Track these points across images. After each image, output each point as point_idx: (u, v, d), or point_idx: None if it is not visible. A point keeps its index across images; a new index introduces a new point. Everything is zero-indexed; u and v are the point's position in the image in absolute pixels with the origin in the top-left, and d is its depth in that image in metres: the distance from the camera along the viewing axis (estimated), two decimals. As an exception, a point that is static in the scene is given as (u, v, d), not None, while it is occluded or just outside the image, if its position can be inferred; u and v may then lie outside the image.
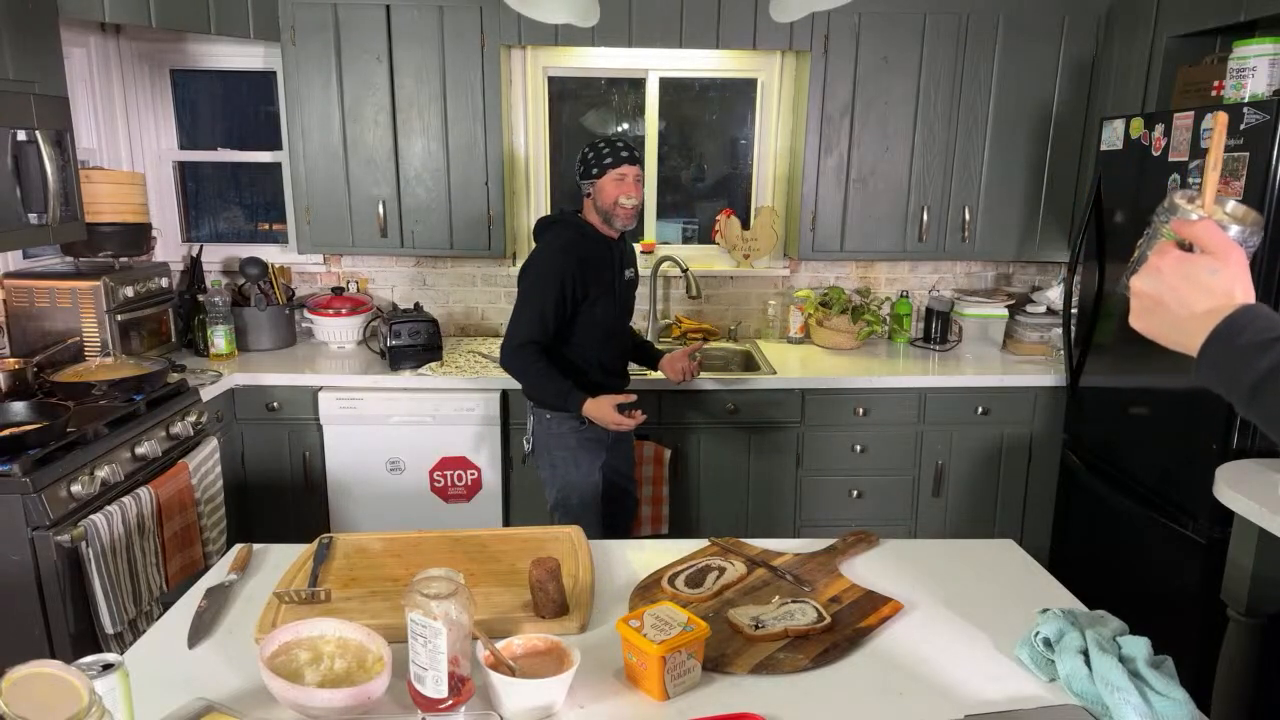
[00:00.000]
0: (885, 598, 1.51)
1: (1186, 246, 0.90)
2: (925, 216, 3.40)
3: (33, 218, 2.47)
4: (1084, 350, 3.03)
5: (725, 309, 3.82)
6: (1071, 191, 3.40)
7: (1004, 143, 3.35)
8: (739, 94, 3.76)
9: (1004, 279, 3.89)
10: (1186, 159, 2.48)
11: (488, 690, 1.20)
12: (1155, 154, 2.61)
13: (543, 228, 2.55)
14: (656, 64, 3.62)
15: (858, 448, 3.25)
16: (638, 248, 3.71)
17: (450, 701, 1.17)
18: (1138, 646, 1.23)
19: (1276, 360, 0.80)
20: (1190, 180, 2.46)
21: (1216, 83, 2.60)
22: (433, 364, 3.23)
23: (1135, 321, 0.93)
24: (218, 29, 2.99)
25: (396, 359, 3.16)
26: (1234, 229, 0.89)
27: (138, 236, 3.20)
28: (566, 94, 3.74)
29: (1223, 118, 0.93)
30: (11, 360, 2.60)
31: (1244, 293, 0.86)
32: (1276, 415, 0.81)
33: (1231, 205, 0.91)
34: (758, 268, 3.77)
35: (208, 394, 2.87)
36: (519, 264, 3.68)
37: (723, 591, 1.52)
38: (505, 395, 3.13)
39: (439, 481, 3.16)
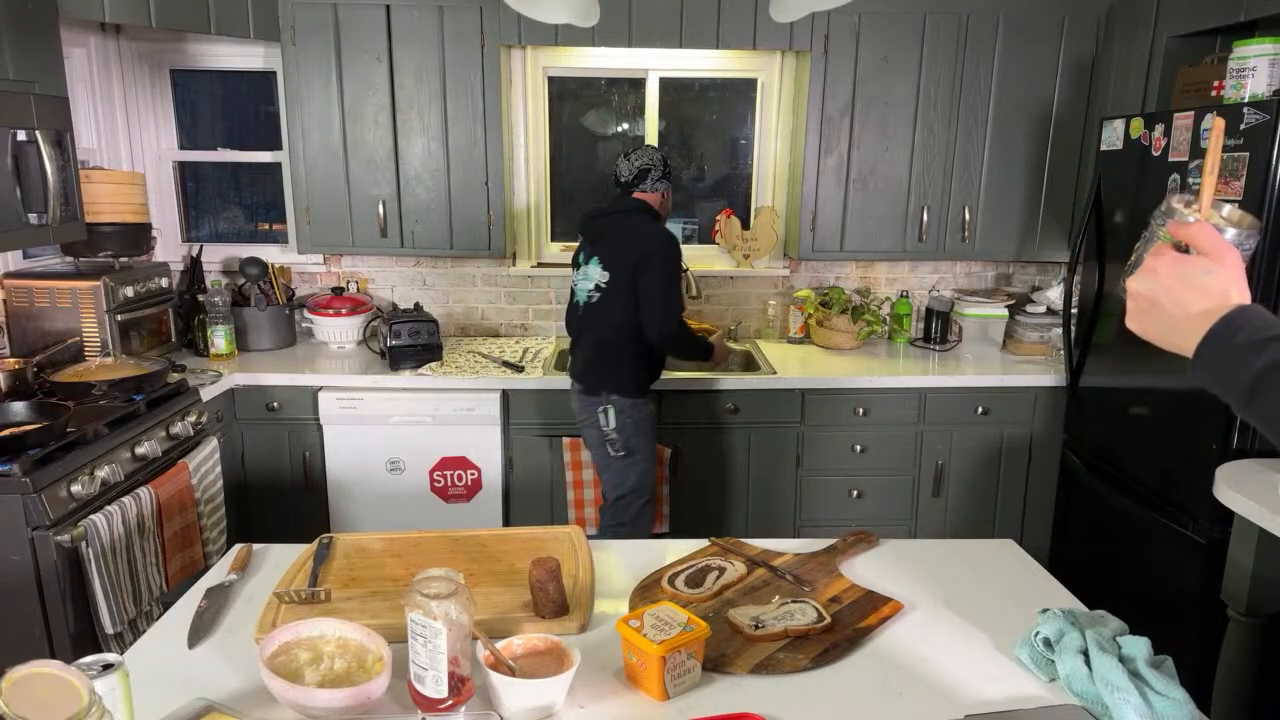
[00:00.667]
0: (885, 598, 1.51)
1: (1183, 248, 0.90)
2: (925, 216, 3.40)
3: (33, 218, 2.47)
4: (1084, 350, 3.03)
5: (725, 309, 3.82)
6: (1071, 191, 3.40)
7: (1004, 143, 3.35)
8: (739, 94, 3.76)
9: (1004, 279, 3.89)
10: (1186, 159, 2.48)
11: (488, 690, 1.20)
12: (1155, 154, 2.61)
13: (629, 210, 2.68)
14: (656, 64, 3.62)
15: (858, 448, 3.25)
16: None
17: (450, 701, 1.17)
18: (1138, 646, 1.23)
19: (1272, 359, 0.80)
20: (1190, 180, 2.46)
21: (1216, 83, 2.60)
22: (433, 364, 3.23)
23: (1132, 323, 0.94)
24: (218, 29, 2.99)
25: (396, 359, 3.16)
26: (1230, 232, 0.90)
27: (138, 236, 3.20)
28: (566, 94, 3.74)
29: (1220, 123, 0.93)
30: (11, 360, 2.60)
31: (1239, 294, 0.87)
32: (1273, 414, 0.82)
33: (1228, 209, 0.92)
34: (758, 268, 3.77)
35: (208, 394, 2.87)
36: (518, 264, 3.73)
37: (723, 591, 1.52)
38: (505, 395, 3.13)
39: (439, 481, 3.16)
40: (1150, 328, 0.92)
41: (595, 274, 2.67)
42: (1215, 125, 0.93)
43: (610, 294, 2.65)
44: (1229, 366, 0.84)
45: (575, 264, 2.82)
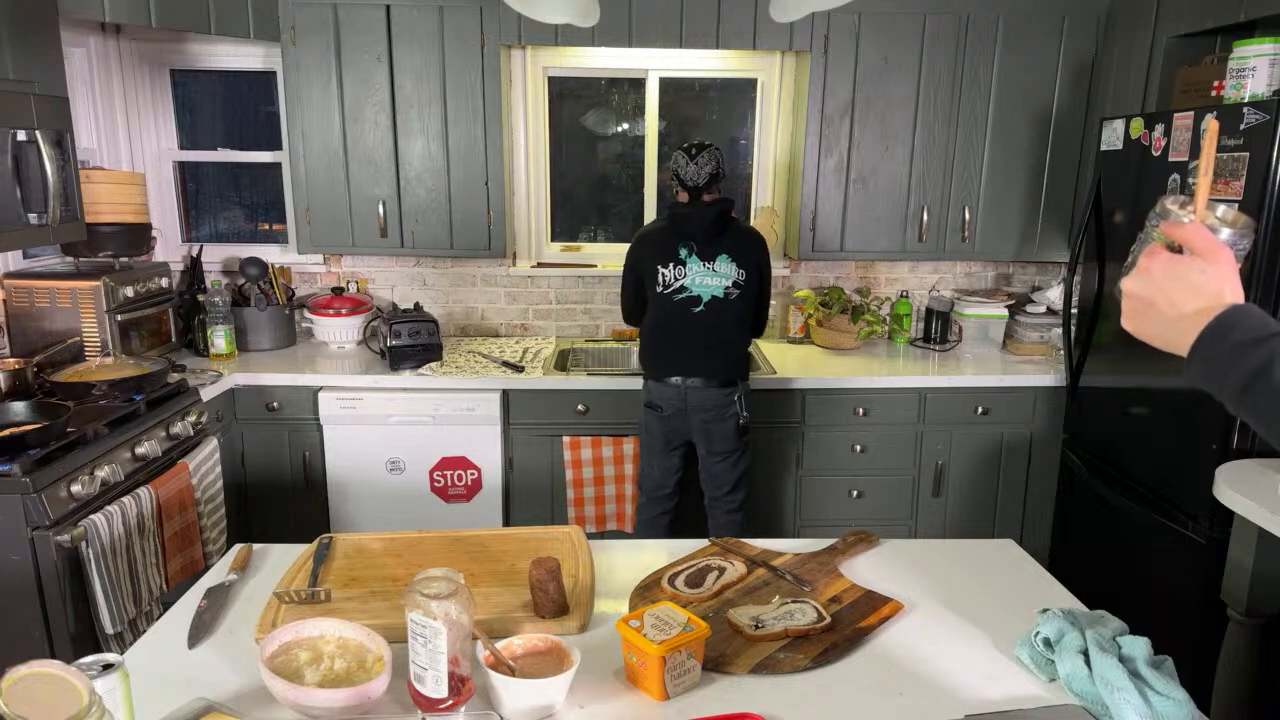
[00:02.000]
0: (885, 598, 1.51)
1: (1176, 249, 0.90)
2: (925, 216, 3.40)
3: (33, 218, 2.47)
4: (1084, 350, 3.03)
5: (725, 309, 3.81)
6: (1071, 191, 3.40)
7: (1004, 143, 3.35)
8: (739, 94, 3.76)
9: (1004, 279, 3.89)
10: (1186, 159, 2.48)
11: (488, 690, 1.20)
12: (1155, 154, 2.61)
13: (728, 211, 2.79)
14: (656, 64, 3.62)
15: (858, 448, 3.25)
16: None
17: (450, 701, 1.18)
18: (1138, 646, 1.23)
19: (1266, 358, 0.81)
20: (1190, 181, 2.46)
21: (1216, 83, 2.60)
22: (433, 364, 3.23)
23: (1127, 323, 0.94)
24: (218, 29, 2.99)
25: (396, 359, 3.16)
26: (1225, 232, 0.91)
27: (138, 236, 3.20)
28: (566, 94, 3.74)
29: (1214, 124, 0.94)
30: (11, 360, 2.60)
31: (1233, 293, 0.87)
32: (1265, 413, 0.82)
33: (1222, 210, 0.93)
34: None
35: (208, 394, 2.87)
36: (518, 264, 3.73)
37: (723, 591, 1.52)
38: (505, 395, 3.13)
39: (439, 481, 3.17)
40: (1145, 328, 0.92)
41: (731, 272, 2.76)
42: (1210, 127, 0.93)
43: (745, 290, 2.78)
44: (1222, 365, 0.84)
45: (665, 261, 2.76)
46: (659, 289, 2.79)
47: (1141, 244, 0.95)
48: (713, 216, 2.73)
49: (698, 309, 2.76)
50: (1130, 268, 0.94)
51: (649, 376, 2.84)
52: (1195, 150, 2.44)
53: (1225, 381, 0.84)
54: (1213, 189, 0.95)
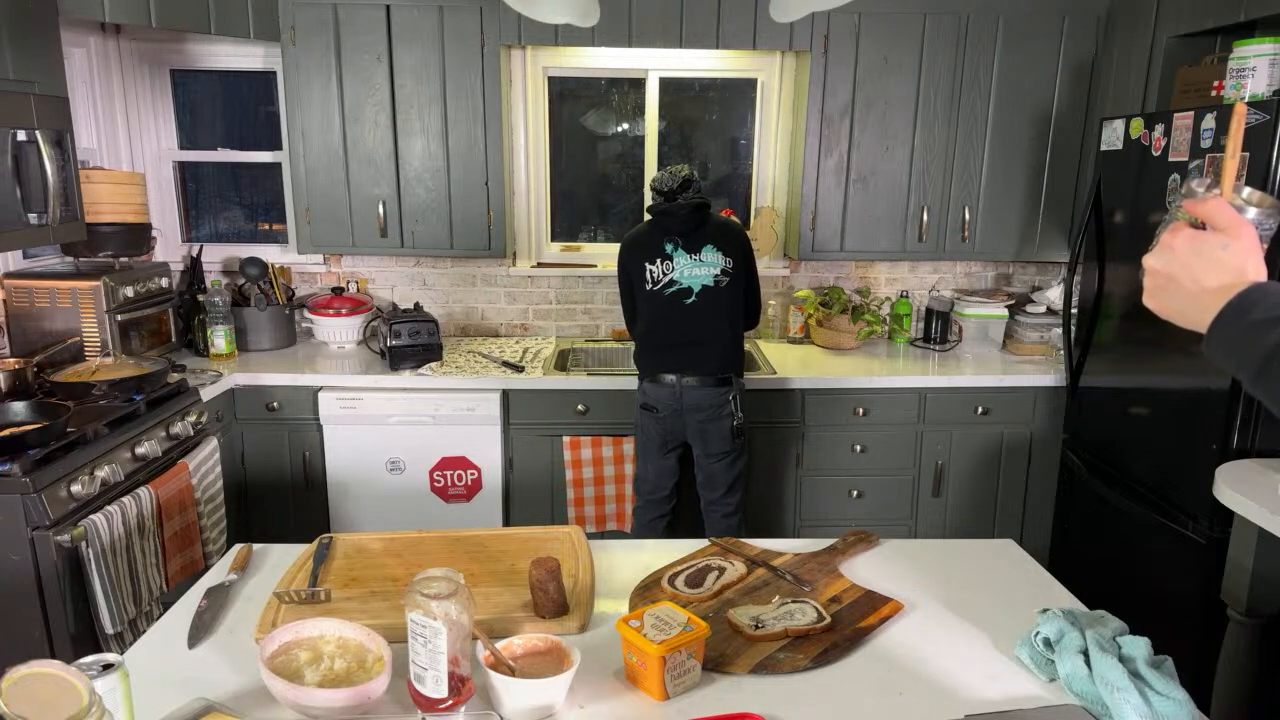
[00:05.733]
0: (885, 598, 1.51)
1: (1200, 226, 0.90)
2: (925, 216, 3.40)
3: (33, 218, 2.47)
4: (1084, 350, 3.03)
5: (725, 309, 3.81)
6: (1071, 191, 3.40)
7: (1004, 143, 3.35)
8: (739, 94, 3.76)
9: (1004, 279, 3.89)
10: (1186, 159, 2.48)
11: (488, 690, 1.20)
12: (1155, 154, 2.61)
13: (705, 206, 2.76)
14: (656, 64, 3.62)
15: (858, 448, 3.25)
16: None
17: (450, 701, 1.18)
18: (1138, 646, 1.23)
19: None
20: (1192, 182, 2.46)
21: (1216, 83, 2.60)
22: (433, 364, 3.23)
23: (1149, 300, 0.94)
24: (218, 29, 2.99)
25: (396, 359, 3.16)
26: (1251, 212, 0.90)
27: (138, 236, 3.20)
28: (566, 94, 3.74)
29: (1241, 107, 0.95)
30: (11, 360, 2.60)
31: (1256, 269, 0.87)
32: None
33: (1248, 191, 0.92)
34: (758, 268, 3.76)
35: (208, 394, 2.87)
36: (518, 264, 3.73)
37: (723, 591, 1.52)
38: (505, 395, 3.13)
39: (439, 481, 3.17)
40: (1167, 305, 0.92)
41: (718, 260, 2.75)
42: (1238, 109, 0.94)
43: (734, 279, 2.77)
44: (1241, 342, 0.84)
45: (652, 258, 2.76)
46: (648, 286, 2.78)
47: (1166, 224, 0.94)
48: (690, 209, 2.72)
49: (690, 300, 2.75)
50: (1155, 246, 0.94)
51: (644, 377, 2.83)
52: (1195, 150, 2.44)
53: (1244, 358, 0.84)
54: (1211, 189, 0.95)
